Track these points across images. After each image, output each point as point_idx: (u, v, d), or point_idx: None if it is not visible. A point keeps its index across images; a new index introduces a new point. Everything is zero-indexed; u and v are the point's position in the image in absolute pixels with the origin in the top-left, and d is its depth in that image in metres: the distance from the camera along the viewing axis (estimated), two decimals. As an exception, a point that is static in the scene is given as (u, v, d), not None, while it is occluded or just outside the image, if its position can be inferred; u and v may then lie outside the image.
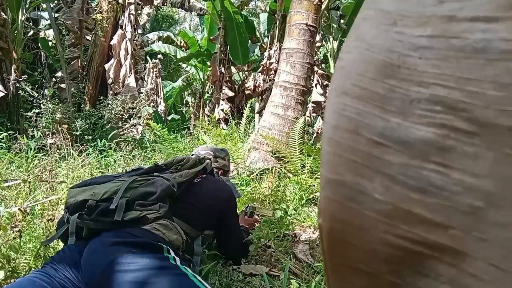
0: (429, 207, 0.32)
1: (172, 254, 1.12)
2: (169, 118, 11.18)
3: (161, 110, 9.48)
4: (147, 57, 9.93)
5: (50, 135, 4.76)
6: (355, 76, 0.37)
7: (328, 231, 0.37)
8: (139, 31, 6.98)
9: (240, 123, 4.83)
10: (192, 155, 1.79)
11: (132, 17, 6.52)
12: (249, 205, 2.18)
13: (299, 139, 3.50)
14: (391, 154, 0.34)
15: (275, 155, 3.66)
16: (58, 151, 3.76)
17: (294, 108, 3.84)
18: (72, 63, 6.20)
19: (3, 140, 4.29)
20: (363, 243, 0.35)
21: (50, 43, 7.23)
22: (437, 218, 0.32)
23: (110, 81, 6.37)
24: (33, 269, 1.46)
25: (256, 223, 2.15)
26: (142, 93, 6.46)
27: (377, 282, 0.35)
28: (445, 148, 0.32)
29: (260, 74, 7.52)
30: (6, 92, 5.44)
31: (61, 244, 1.51)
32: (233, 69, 8.31)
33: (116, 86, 6.34)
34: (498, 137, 0.30)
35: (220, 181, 1.71)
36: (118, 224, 1.16)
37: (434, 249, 0.32)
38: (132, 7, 6.54)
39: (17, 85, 5.40)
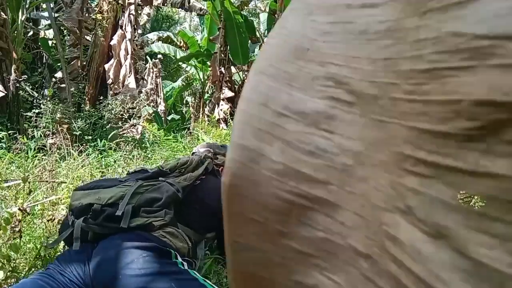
0: (314, 166, 0.37)
1: (180, 259, 1.12)
2: (169, 118, 11.17)
3: (161, 110, 9.47)
4: (147, 57, 9.93)
5: (50, 135, 4.75)
6: (273, 58, 0.43)
7: (229, 186, 0.42)
8: (139, 31, 6.98)
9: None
10: (193, 153, 1.79)
11: (132, 17, 6.52)
12: None
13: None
14: (291, 123, 0.39)
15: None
16: (58, 151, 3.76)
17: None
18: (72, 63, 6.20)
19: (3, 140, 4.29)
20: (257, 197, 0.40)
21: (50, 43, 7.22)
22: (319, 176, 0.37)
23: (110, 81, 6.37)
24: (33, 269, 1.46)
25: None
26: (142, 93, 6.45)
27: (266, 230, 0.39)
28: (331, 117, 0.37)
29: (260, 74, 7.50)
30: (6, 92, 5.44)
31: (61, 244, 1.50)
32: (233, 69, 8.31)
33: (116, 86, 6.33)
34: (367, 105, 0.35)
35: (220, 180, 1.70)
36: (124, 230, 1.16)
37: (315, 202, 0.37)
38: (132, 7, 6.53)
39: (17, 85, 5.40)
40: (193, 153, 1.81)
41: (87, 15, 6.34)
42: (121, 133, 5.38)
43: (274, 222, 0.39)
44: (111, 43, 6.45)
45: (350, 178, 0.35)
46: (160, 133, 4.10)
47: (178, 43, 10.30)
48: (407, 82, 0.32)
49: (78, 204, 1.23)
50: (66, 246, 1.44)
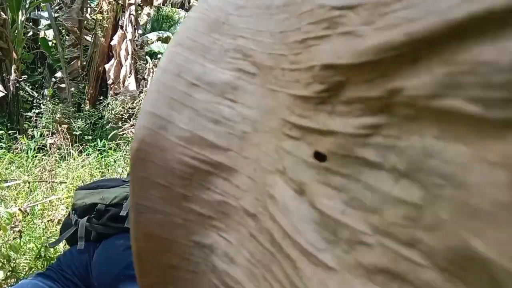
0: (217, 134, 0.40)
1: None
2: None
3: (161, 110, 9.48)
4: (147, 57, 9.93)
5: (50, 135, 4.76)
6: (191, 30, 0.45)
7: (136, 151, 0.43)
8: (140, 31, 6.98)
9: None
10: None
11: (132, 18, 6.52)
12: None
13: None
14: (201, 93, 0.41)
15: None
16: (58, 151, 3.76)
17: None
18: (72, 63, 6.20)
19: (3, 140, 4.29)
20: (163, 162, 0.42)
21: (50, 43, 7.22)
22: (221, 143, 0.39)
23: (110, 81, 6.37)
24: (33, 269, 1.46)
25: None
26: (143, 92, 6.45)
27: (170, 193, 0.42)
28: (236, 87, 0.40)
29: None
30: (6, 92, 5.44)
31: (61, 244, 1.50)
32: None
33: (116, 86, 6.34)
34: (265, 76, 0.37)
35: None
36: (128, 230, 1.16)
37: (215, 167, 0.40)
38: (133, 7, 6.53)
39: (17, 85, 5.40)
40: None
41: (87, 15, 6.34)
42: (121, 133, 5.38)
43: (178, 186, 0.41)
44: (112, 43, 6.45)
45: (246, 144, 0.38)
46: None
47: (178, 43, 10.28)
48: (291, 52, 0.34)
49: (81, 204, 1.23)
50: (66, 246, 1.44)
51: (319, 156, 0.31)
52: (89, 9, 6.39)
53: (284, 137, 0.34)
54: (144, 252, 0.45)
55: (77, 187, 1.43)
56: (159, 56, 11.08)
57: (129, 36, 6.45)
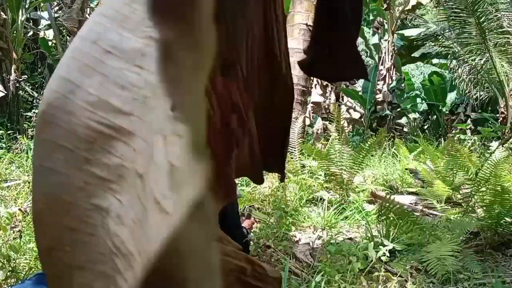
0: (123, 99, 0.41)
1: None
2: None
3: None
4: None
5: (50, 135, 4.75)
6: (115, 1, 0.47)
7: (41, 114, 0.45)
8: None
9: (240, 123, 4.81)
10: None
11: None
12: (246, 207, 2.19)
13: (298, 139, 3.50)
14: (113, 60, 0.42)
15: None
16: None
17: (293, 108, 3.84)
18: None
19: (3, 140, 4.28)
20: (69, 126, 0.43)
21: (50, 43, 7.22)
22: (125, 108, 0.41)
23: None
24: (33, 269, 1.46)
25: (252, 225, 2.16)
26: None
27: (74, 157, 0.42)
28: (144, 54, 0.41)
29: (260, 74, 7.50)
30: (6, 92, 5.44)
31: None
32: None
33: (116, 86, 6.34)
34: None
35: None
36: None
37: (117, 131, 0.41)
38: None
39: (17, 85, 5.40)
40: None
41: (87, 15, 6.34)
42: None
43: (82, 149, 0.42)
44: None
45: (146, 109, 0.40)
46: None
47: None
48: None
49: None
50: None
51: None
52: (88, 9, 6.38)
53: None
54: (44, 214, 0.45)
55: None
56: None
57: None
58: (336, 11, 0.69)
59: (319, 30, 0.73)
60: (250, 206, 2.30)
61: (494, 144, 4.43)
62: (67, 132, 0.43)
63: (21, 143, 4.04)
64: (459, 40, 6.10)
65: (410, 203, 2.84)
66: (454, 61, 6.93)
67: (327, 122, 4.85)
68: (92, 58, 0.43)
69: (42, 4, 6.63)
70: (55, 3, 6.59)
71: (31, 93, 5.32)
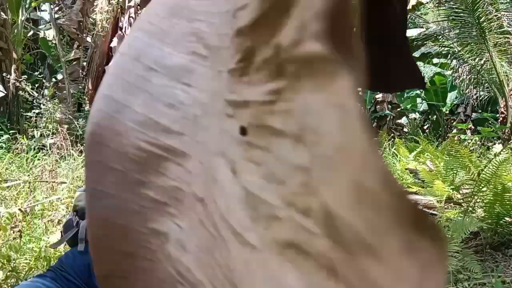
0: (172, 118, 0.39)
1: None
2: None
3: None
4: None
5: (50, 135, 4.75)
6: (152, 15, 0.45)
7: (91, 135, 0.43)
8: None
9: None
10: None
11: (132, 20, 6.52)
12: None
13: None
14: (157, 77, 0.40)
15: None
16: (58, 151, 3.76)
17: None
18: (72, 64, 6.19)
19: (3, 141, 4.28)
20: (118, 146, 0.41)
21: (50, 43, 7.22)
22: (175, 127, 0.38)
23: (110, 81, 6.37)
24: (33, 269, 1.46)
25: None
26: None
27: (126, 179, 0.41)
28: (190, 71, 0.39)
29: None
30: (6, 92, 5.44)
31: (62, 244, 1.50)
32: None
33: (116, 86, 6.34)
34: (215, 57, 0.37)
35: None
36: None
37: (169, 152, 0.39)
38: (132, 10, 6.53)
39: (17, 85, 5.40)
40: None
41: (87, 16, 6.34)
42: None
43: (133, 171, 0.40)
44: (111, 45, 6.45)
45: (198, 128, 0.37)
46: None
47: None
48: (232, 30, 0.34)
49: (83, 205, 1.23)
50: (67, 246, 1.44)
51: (244, 131, 0.30)
52: (89, 10, 6.38)
53: (226, 118, 0.33)
54: (100, 239, 0.43)
55: (78, 188, 1.43)
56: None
57: (129, 37, 6.45)
58: (387, 22, 0.66)
59: (371, 43, 0.68)
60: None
61: (497, 147, 4.41)
62: (117, 153, 0.41)
63: (21, 143, 4.04)
64: (459, 40, 6.10)
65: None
66: (454, 61, 6.93)
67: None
68: (135, 76, 0.42)
69: (42, 4, 6.63)
70: (55, 3, 6.59)
71: (31, 93, 5.31)
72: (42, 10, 8.11)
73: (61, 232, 1.32)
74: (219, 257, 0.32)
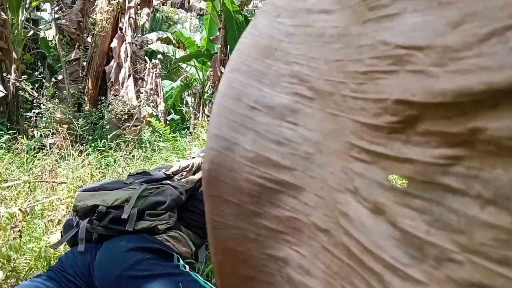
0: (281, 154, 0.42)
1: (182, 261, 1.14)
2: (169, 118, 11.17)
3: (161, 110, 9.48)
4: (146, 57, 9.91)
5: (50, 135, 4.75)
6: (245, 56, 0.48)
7: (208, 172, 0.47)
8: (139, 35, 6.97)
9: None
10: (193, 157, 1.80)
11: (132, 21, 6.52)
12: None
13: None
14: (260, 116, 0.44)
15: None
16: (58, 151, 3.76)
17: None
18: (73, 64, 6.19)
19: (2, 141, 4.29)
20: (232, 181, 0.45)
21: (50, 43, 7.23)
22: (286, 163, 0.42)
23: (110, 83, 6.37)
24: (33, 269, 1.46)
25: None
26: (142, 93, 6.45)
27: (241, 210, 0.44)
28: (295, 110, 0.42)
29: (260, 74, 7.50)
30: (6, 92, 5.44)
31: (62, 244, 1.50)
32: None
33: (117, 87, 6.34)
34: (324, 101, 0.40)
35: None
36: (129, 233, 1.18)
37: (282, 185, 0.42)
38: (132, 10, 6.53)
39: (17, 85, 5.40)
40: (194, 157, 1.83)
41: (87, 16, 6.34)
42: (121, 133, 5.38)
43: (248, 203, 0.44)
44: (111, 45, 6.45)
45: (311, 165, 0.40)
46: (166, 129, 4.10)
47: (177, 44, 10.30)
48: (352, 81, 0.37)
49: (83, 205, 1.23)
50: (67, 246, 1.44)
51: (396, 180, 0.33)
52: (89, 10, 6.38)
53: (352, 159, 0.36)
54: (223, 266, 0.48)
55: (78, 188, 1.43)
56: (159, 56, 11.08)
57: (128, 39, 6.45)
58: None
59: None
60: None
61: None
62: (231, 187, 0.45)
63: (21, 143, 4.04)
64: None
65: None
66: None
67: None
68: (238, 115, 0.45)
69: (42, 4, 6.63)
70: (55, 3, 6.59)
71: (31, 93, 5.31)
72: (42, 10, 8.12)
73: (61, 232, 1.31)
74: (361, 284, 0.34)
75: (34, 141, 4.47)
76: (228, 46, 7.77)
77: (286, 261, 0.42)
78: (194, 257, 1.38)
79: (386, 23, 0.34)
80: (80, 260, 1.12)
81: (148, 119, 5.43)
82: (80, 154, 3.71)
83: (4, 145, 4.20)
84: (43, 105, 5.10)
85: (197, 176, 1.52)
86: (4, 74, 5.49)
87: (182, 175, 1.51)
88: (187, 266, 1.13)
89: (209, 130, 0.48)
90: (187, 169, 1.54)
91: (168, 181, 1.42)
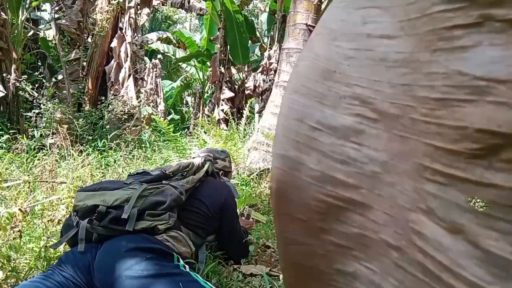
0: (347, 173, 0.43)
1: (182, 261, 1.14)
2: (169, 118, 11.17)
3: (160, 110, 9.47)
4: (146, 57, 9.90)
5: (50, 135, 4.75)
6: (304, 78, 0.50)
7: (275, 191, 0.49)
8: (139, 35, 6.97)
9: (240, 123, 4.83)
10: (193, 157, 1.79)
11: (132, 21, 6.52)
12: (245, 207, 2.19)
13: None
14: (324, 136, 0.45)
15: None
16: (58, 151, 3.76)
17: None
18: (72, 64, 6.19)
19: (2, 141, 4.28)
20: (300, 199, 0.46)
21: (50, 43, 7.22)
22: (352, 181, 0.43)
23: (110, 83, 6.37)
24: (33, 269, 1.46)
25: (252, 225, 2.16)
26: (142, 93, 6.45)
27: (309, 227, 0.46)
28: (359, 131, 0.43)
29: (260, 74, 7.52)
30: (6, 92, 5.44)
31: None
32: (233, 70, 8.30)
33: (117, 87, 6.33)
34: (390, 122, 0.41)
35: (220, 181, 1.72)
36: (129, 232, 1.18)
37: (349, 203, 0.43)
38: (132, 10, 6.53)
39: (17, 85, 5.40)
40: (194, 157, 1.82)
41: (87, 16, 6.34)
42: (121, 133, 5.38)
43: (316, 220, 0.46)
44: (111, 45, 6.44)
45: (378, 183, 0.42)
46: (169, 128, 4.09)
47: (177, 44, 10.29)
48: (423, 106, 0.38)
49: (82, 205, 1.23)
50: (67, 246, 1.44)
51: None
52: (89, 10, 6.38)
53: (425, 181, 0.37)
54: (293, 280, 0.49)
55: (78, 188, 1.43)
56: (159, 56, 11.08)
57: (128, 39, 6.45)
58: None
59: None
60: (250, 206, 2.30)
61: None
62: (299, 205, 0.47)
63: (21, 143, 4.04)
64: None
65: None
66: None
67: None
68: (302, 136, 0.47)
69: (42, 4, 6.63)
70: (55, 3, 6.59)
71: (31, 93, 5.31)
72: (42, 10, 8.12)
73: (60, 232, 1.31)
74: None
75: (34, 141, 4.47)
76: (228, 46, 7.77)
77: (355, 276, 0.43)
78: (194, 257, 1.38)
79: (459, 53, 0.35)
80: (80, 260, 1.12)
81: (152, 116, 5.42)
82: (80, 154, 3.71)
83: (4, 145, 4.20)
84: (43, 105, 5.10)
85: (197, 176, 1.52)
86: (4, 74, 5.49)
87: (182, 175, 1.51)
88: (187, 266, 1.13)
89: (274, 151, 0.50)
90: (187, 169, 1.54)
91: (168, 181, 1.41)
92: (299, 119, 0.48)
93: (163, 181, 1.41)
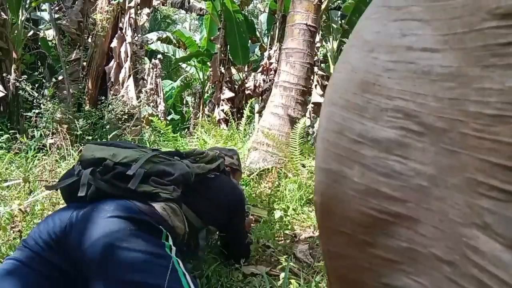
0: (392, 187, 0.42)
1: (170, 242, 1.07)
2: (169, 118, 11.16)
3: (161, 110, 9.46)
4: (146, 57, 9.89)
5: (50, 135, 4.75)
6: (342, 90, 0.49)
7: (320, 204, 0.48)
8: (139, 35, 6.97)
9: (240, 123, 4.83)
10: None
11: (132, 21, 6.52)
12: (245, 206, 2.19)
13: (299, 139, 3.50)
14: (366, 149, 0.44)
15: (275, 155, 3.65)
16: (58, 151, 3.76)
17: (294, 108, 3.84)
18: (73, 64, 6.19)
19: (3, 141, 4.28)
20: (344, 213, 0.46)
21: (50, 43, 7.22)
22: (397, 195, 0.42)
23: (110, 83, 6.37)
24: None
25: (252, 224, 2.16)
26: (142, 93, 6.45)
27: (354, 240, 0.46)
28: (403, 144, 0.42)
29: (260, 74, 7.52)
30: (6, 92, 5.44)
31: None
32: (233, 70, 8.30)
33: (117, 87, 6.33)
34: (437, 136, 0.40)
35: (233, 182, 1.72)
36: (128, 193, 1.12)
37: (395, 217, 0.43)
38: (132, 10, 6.53)
39: (17, 85, 5.40)
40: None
41: (87, 16, 6.34)
42: (121, 133, 5.38)
43: (360, 233, 0.45)
44: (111, 45, 6.44)
45: (426, 197, 0.41)
46: (168, 129, 4.08)
47: (176, 43, 10.29)
48: (474, 121, 0.37)
49: (90, 156, 1.19)
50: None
51: None
52: (89, 10, 6.38)
53: (480, 196, 0.36)
54: None
55: (89, 142, 1.40)
56: (159, 56, 11.08)
57: (128, 39, 6.45)
58: None
59: None
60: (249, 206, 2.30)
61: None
62: (343, 218, 0.46)
63: (21, 143, 4.03)
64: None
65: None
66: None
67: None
68: (343, 148, 0.46)
69: (44, 7, 6.63)
70: (55, 3, 6.59)
71: (31, 93, 5.31)
72: (42, 10, 8.12)
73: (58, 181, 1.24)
74: None
75: (34, 141, 4.47)
76: (228, 46, 7.77)
77: None
78: (187, 239, 1.31)
79: None
80: (60, 216, 1.07)
81: (150, 118, 5.42)
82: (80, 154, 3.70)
83: (4, 145, 4.20)
84: (43, 105, 5.10)
85: (210, 165, 1.50)
86: (4, 74, 5.49)
87: (195, 160, 1.49)
88: (173, 249, 1.05)
89: (316, 164, 0.49)
90: (201, 155, 1.52)
91: (179, 159, 1.38)
92: (339, 132, 0.47)
93: (175, 157, 1.38)
